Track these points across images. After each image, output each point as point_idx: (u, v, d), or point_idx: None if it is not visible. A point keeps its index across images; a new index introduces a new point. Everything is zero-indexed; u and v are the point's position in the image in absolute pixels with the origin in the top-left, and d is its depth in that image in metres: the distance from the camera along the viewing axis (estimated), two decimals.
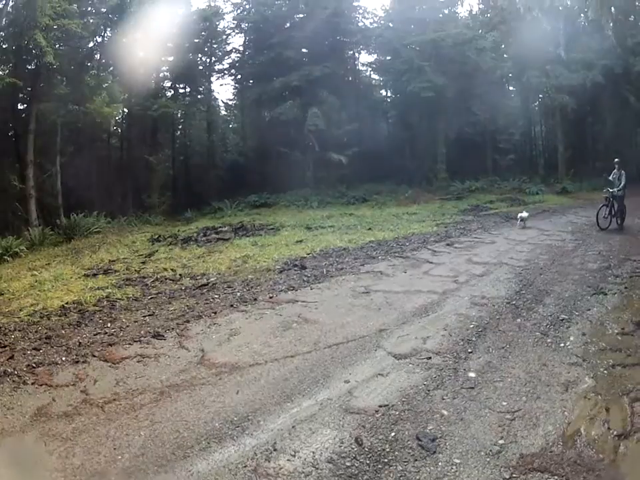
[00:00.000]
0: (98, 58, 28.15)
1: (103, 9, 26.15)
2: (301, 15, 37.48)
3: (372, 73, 43.87)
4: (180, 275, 12.29)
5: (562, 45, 30.36)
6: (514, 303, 8.63)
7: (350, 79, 41.21)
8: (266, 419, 5.09)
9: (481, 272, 11.02)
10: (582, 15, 30.86)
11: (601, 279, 10.18)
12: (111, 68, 28.69)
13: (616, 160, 18.03)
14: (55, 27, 21.65)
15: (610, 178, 17.88)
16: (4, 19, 22.84)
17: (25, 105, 24.58)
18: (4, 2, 22.63)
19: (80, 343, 7.64)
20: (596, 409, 5.11)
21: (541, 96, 38.15)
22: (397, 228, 18.70)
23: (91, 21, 25.36)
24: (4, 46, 23.71)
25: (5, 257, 17.06)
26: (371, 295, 9.41)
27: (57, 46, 22.84)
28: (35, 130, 23.24)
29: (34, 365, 6.79)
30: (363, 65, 43.34)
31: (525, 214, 18.32)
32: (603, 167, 18.98)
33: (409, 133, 37.79)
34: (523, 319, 7.81)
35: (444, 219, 21.44)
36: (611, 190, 17.37)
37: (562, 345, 6.76)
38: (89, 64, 26.78)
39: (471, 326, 7.50)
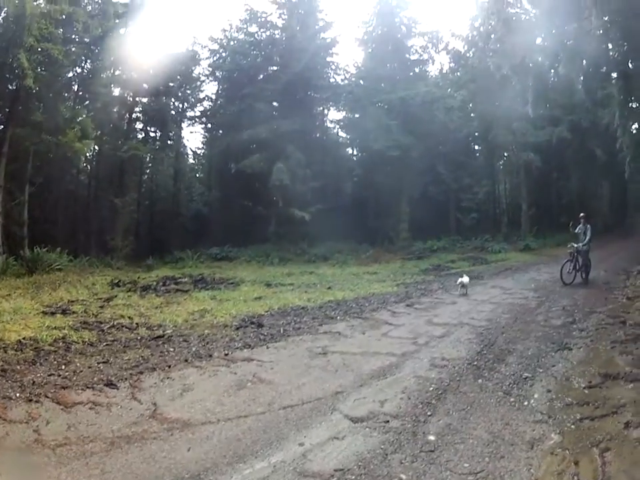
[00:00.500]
0: (75, 90, 28.12)
1: (86, 39, 26.05)
2: (275, 68, 38.24)
3: (340, 130, 44.81)
4: (137, 323, 12.08)
5: (530, 102, 31.04)
6: (475, 363, 8.60)
7: (318, 135, 41.79)
8: (217, 478, 4.99)
9: (441, 333, 10.98)
10: (552, 70, 31.59)
11: (566, 334, 10.32)
12: (87, 102, 28.63)
13: (581, 214, 18.60)
14: (38, 49, 21.69)
15: (576, 231, 18.36)
16: None
17: (2, 126, 24.32)
18: None
19: (34, 381, 7.58)
20: (564, 464, 5.10)
21: (506, 154, 38.88)
22: (357, 288, 18.64)
23: (73, 49, 25.29)
24: None
25: None
26: (328, 356, 9.30)
27: (38, 70, 22.69)
28: (7, 154, 22.99)
29: None
30: (331, 121, 44.46)
31: (465, 279, 16.65)
32: (568, 222, 19.25)
33: (372, 191, 38.23)
34: (485, 379, 7.78)
35: (404, 278, 21.47)
36: (575, 245, 17.77)
37: (526, 403, 6.74)
38: (66, 94, 26.73)
39: (431, 388, 7.42)
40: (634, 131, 30.38)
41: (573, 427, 5.97)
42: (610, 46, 25.09)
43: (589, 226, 18.14)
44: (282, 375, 8.27)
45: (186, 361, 9.01)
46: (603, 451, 5.30)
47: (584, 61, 25.11)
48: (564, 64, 24.79)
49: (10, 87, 23.73)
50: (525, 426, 6.03)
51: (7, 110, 23.57)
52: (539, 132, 33.57)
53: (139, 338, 10.67)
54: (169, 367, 8.62)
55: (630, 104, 28.20)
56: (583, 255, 17.91)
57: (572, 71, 25.44)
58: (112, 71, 30.27)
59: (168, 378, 8.04)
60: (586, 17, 21.43)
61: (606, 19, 21.75)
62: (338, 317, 13.14)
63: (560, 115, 33.97)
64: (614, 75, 27.93)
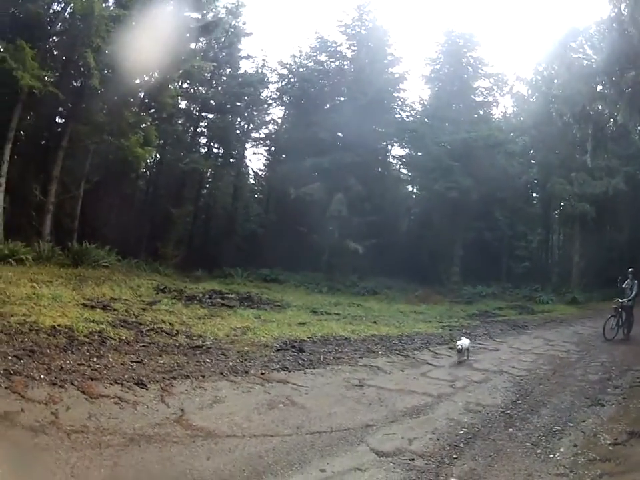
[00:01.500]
0: (141, 97, 28.27)
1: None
2: (342, 98, 38.57)
3: (401, 167, 44.81)
4: (177, 330, 12.03)
5: (589, 152, 30.48)
6: (508, 412, 8.37)
7: (379, 169, 41.83)
8: None
9: (480, 379, 10.76)
10: (611, 119, 31.09)
11: (600, 390, 10.00)
12: (152, 110, 28.74)
13: (630, 269, 18.06)
14: (106, 51, 21.84)
15: (623, 286, 17.86)
16: (59, 24, 23.06)
17: (63, 120, 24.80)
18: (62, 5, 22.73)
19: (62, 367, 7.61)
20: None
21: (562, 204, 38.03)
22: (402, 325, 18.36)
23: None
24: (55, 52, 23.88)
25: (10, 260, 17.37)
26: (364, 389, 9.16)
27: (105, 71, 22.93)
28: (66, 149, 23.46)
29: (11, 372, 6.85)
30: (394, 157, 44.45)
31: (465, 341, 13.11)
32: (616, 277, 18.71)
33: (428, 231, 37.88)
34: (516, 428, 7.53)
35: (450, 321, 21.00)
36: (620, 300, 17.26)
37: (551, 455, 6.48)
38: (131, 99, 26.87)
39: (461, 432, 7.22)
40: None
41: None
42: None
43: (636, 282, 17.58)
44: (315, 401, 8.16)
45: (221, 373, 8.94)
46: None
47: None
48: (622, 113, 24.34)
49: (74, 84, 24.16)
50: (547, 478, 5.84)
51: (70, 105, 23.92)
52: (596, 182, 32.72)
53: (177, 345, 10.62)
54: (203, 376, 8.57)
55: None
56: (627, 311, 17.34)
57: (629, 120, 24.98)
58: (180, 83, 30.66)
59: (200, 387, 7.99)
60: None
61: None
62: (379, 352, 12.91)
63: (616, 166, 33.07)
64: None
